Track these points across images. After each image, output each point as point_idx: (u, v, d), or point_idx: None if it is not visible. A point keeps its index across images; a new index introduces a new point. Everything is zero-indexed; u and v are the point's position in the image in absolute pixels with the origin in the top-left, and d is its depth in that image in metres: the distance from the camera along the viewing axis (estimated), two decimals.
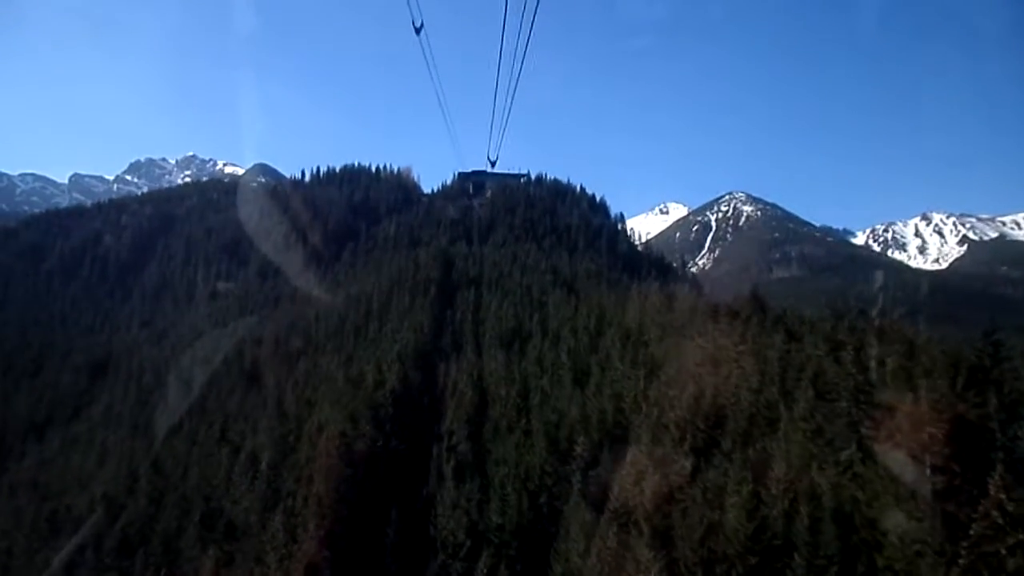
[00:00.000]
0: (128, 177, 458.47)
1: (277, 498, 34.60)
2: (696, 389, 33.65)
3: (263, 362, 74.77)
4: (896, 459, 22.01)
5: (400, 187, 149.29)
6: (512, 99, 11.33)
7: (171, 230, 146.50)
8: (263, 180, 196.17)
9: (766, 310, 42.30)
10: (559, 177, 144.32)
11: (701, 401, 32.46)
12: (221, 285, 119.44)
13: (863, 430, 24.67)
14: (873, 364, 27.45)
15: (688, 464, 27.90)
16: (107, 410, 66.38)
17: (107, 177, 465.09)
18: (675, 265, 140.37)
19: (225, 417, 52.38)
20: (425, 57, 10.97)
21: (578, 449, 32.69)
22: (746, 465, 26.02)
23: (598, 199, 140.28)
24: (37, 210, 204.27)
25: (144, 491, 40.89)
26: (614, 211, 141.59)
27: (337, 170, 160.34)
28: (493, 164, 22.18)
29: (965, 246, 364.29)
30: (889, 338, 30.69)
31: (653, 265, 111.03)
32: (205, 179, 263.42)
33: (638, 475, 27.60)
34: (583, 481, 31.29)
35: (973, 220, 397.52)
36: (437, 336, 69.26)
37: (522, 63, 9.59)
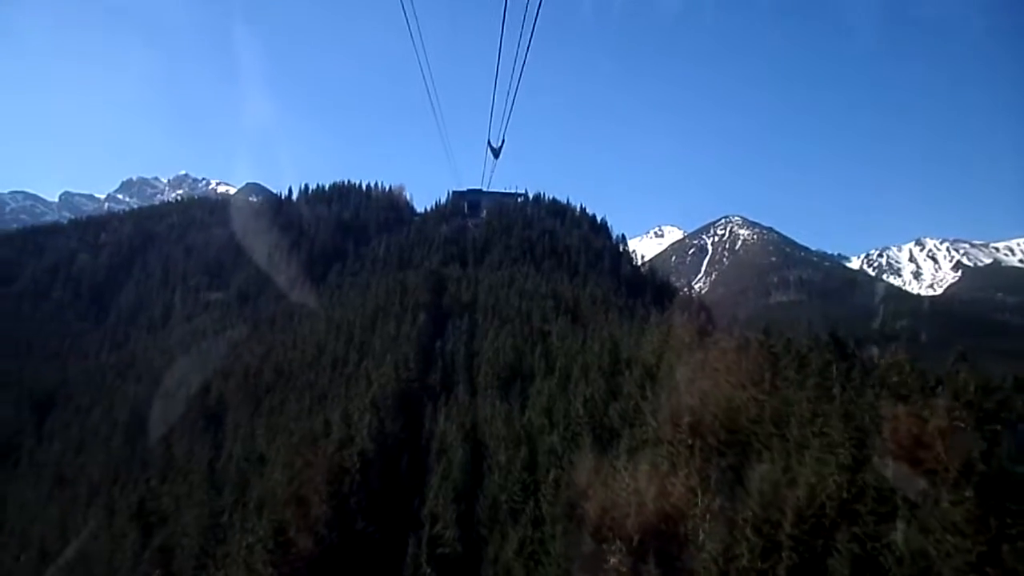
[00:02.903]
0: (120, 196, 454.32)
1: None
2: (769, 471, 24.19)
3: (228, 399, 65.71)
4: None
5: (391, 206, 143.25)
6: (518, 84, 10.39)
7: (150, 250, 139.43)
8: (254, 199, 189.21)
9: (849, 357, 32.77)
10: (557, 197, 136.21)
11: (780, 491, 22.91)
12: (195, 298, 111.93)
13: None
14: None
15: None
16: (32, 456, 55.84)
17: (98, 196, 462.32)
18: (684, 290, 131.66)
19: (162, 475, 42.53)
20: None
21: (612, 559, 22.89)
22: None
23: (599, 219, 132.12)
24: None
25: None
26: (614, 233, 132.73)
27: (327, 188, 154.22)
28: (496, 153, 18.35)
29: (959, 272, 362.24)
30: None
31: (659, 290, 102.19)
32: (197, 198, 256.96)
33: None
34: None
35: (966, 246, 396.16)
36: (424, 372, 59.89)
37: (528, 47, 9.04)
